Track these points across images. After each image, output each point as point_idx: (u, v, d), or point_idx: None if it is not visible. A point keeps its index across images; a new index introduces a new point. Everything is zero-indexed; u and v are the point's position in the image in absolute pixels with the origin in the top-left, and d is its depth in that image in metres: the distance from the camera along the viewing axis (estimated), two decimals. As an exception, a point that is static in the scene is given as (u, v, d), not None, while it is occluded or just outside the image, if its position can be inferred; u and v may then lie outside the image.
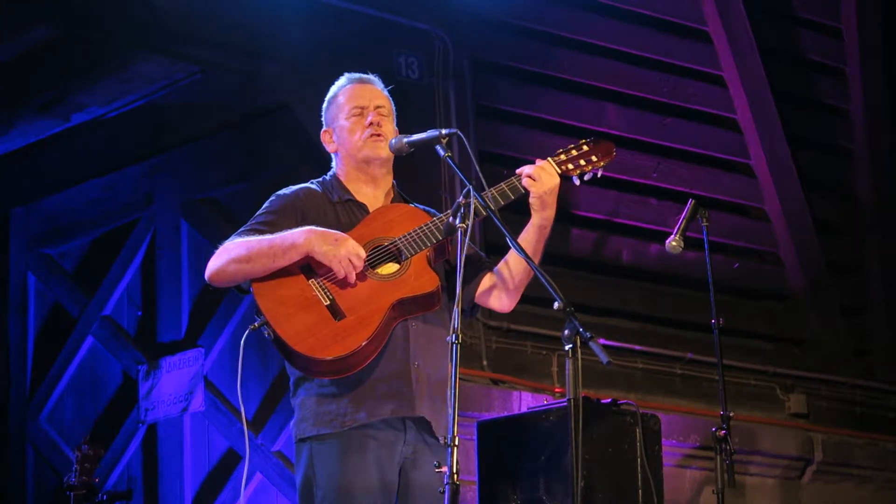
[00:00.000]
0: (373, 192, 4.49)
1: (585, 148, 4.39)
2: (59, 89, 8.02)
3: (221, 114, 8.27)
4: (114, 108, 8.26)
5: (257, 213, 4.42)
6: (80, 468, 6.70)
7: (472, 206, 4.06)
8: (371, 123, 4.43)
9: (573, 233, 8.46)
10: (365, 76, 4.57)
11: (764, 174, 9.20)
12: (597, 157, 4.38)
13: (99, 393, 8.96)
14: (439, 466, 3.85)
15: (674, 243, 5.90)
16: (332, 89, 4.58)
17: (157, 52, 7.59)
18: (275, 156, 7.99)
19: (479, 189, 4.20)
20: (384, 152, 4.44)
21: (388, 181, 4.53)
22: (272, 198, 4.46)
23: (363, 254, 4.23)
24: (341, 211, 4.42)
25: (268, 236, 4.25)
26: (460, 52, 8.02)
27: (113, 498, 6.91)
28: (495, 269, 4.47)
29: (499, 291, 4.46)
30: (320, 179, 4.53)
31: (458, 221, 4.05)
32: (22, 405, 9.23)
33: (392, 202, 4.51)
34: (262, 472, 7.87)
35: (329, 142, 4.54)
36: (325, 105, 4.58)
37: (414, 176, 7.81)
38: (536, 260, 4.28)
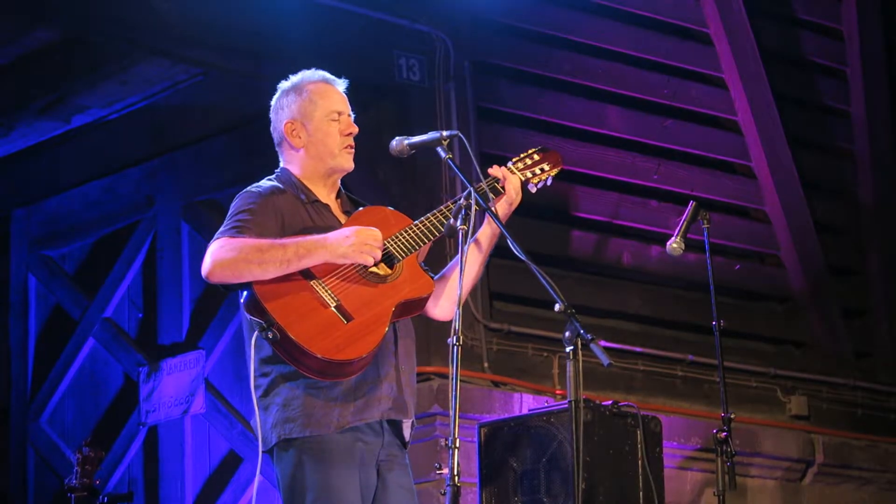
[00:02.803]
0: (327, 194, 4.45)
1: (537, 157, 4.48)
2: (59, 91, 8.03)
3: (222, 116, 8.27)
4: (114, 110, 8.26)
5: (236, 211, 4.28)
6: (80, 470, 6.71)
7: (474, 209, 4.06)
8: (349, 134, 4.39)
9: (574, 235, 8.46)
10: (336, 78, 4.50)
11: (765, 176, 9.20)
12: (548, 165, 4.48)
13: (100, 395, 8.96)
14: (440, 468, 3.85)
15: (675, 245, 5.90)
16: (299, 80, 4.47)
17: (158, 55, 7.59)
18: (275, 158, 7.98)
19: (480, 192, 4.22)
20: (352, 165, 4.43)
21: (337, 185, 4.49)
22: (245, 195, 4.33)
23: (377, 232, 4.20)
24: (312, 212, 4.36)
25: (279, 241, 4.18)
26: (461, 53, 8.02)
27: (114, 500, 6.92)
28: (435, 277, 4.41)
29: (443, 300, 4.42)
30: (275, 177, 4.43)
31: (459, 223, 4.05)
32: (23, 407, 9.24)
33: (340, 204, 4.46)
34: (263, 473, 7.85)
35: (296, 136, 4.42)
36: (288, 94, 4.46)
37: (415, 178, 7.83)
38: (480, 268, 4.42)
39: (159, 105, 8.20)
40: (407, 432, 4.35)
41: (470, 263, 4.39)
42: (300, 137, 4.42)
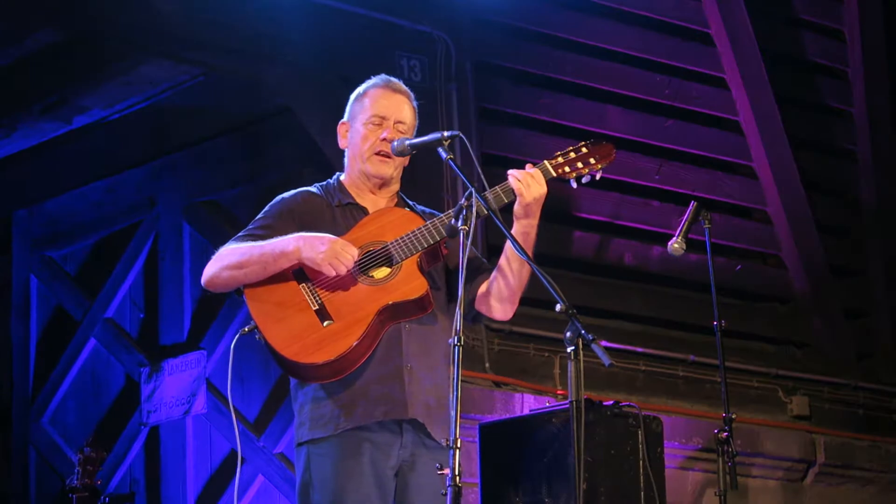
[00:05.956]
0: (374, 199, 4.48)
1: (584, 150, 4.34)
2: (61, 92, 8.03)
3: (224, 117, 8.28)
4: (116, 110, 8.26)
5: (257, 216, 4.42)
6: (82, 470, 6.71)
7: (475, 209, 4.05)
8: (384, 140, 4.40)
9: (575, 235, 8.46)
10: (398, 84, 4.54)
11: (766, 176, 9.20)
12: (595, 159, 4.33)
13: (101, 395, 8.97)
14: (441, 468, 3.85)
15: (676, 245, 5.90)
16: (364, 85, 4.54)
17: (160, 56, 7.60)
18: (277, 159, 8.00)
19: (481, 191, 4.20)
20: (387, 172, 4.42)
21: (391, 191, 4.51)
22: (273, 201, 4.45)
23: (354, 250, 4.21)
24: (339, 214, 4.40)
25: (259, 243, 4.24)
26: (462, 54, 8.03)
27: (115, 500, 6.93)
28: (491, 276, 4.42)
29: (493, 299, 4.41)
30: (324, 183, 4.52)
31: (459, 223, 4.05)
32: (24, 407, 9.24)
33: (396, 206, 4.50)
34: (265, 474, 7.87)
35: (342, 136, 4.52)
36: (353, 99, 4.54)
37: (416, 178, 7.83)
38: (524, 266, 4.30)
39: (161, 106, 8.20)
40: (435, 432, 4.28)
41: (505, 266, 4.35)
42: (345, 138, 4.52)
